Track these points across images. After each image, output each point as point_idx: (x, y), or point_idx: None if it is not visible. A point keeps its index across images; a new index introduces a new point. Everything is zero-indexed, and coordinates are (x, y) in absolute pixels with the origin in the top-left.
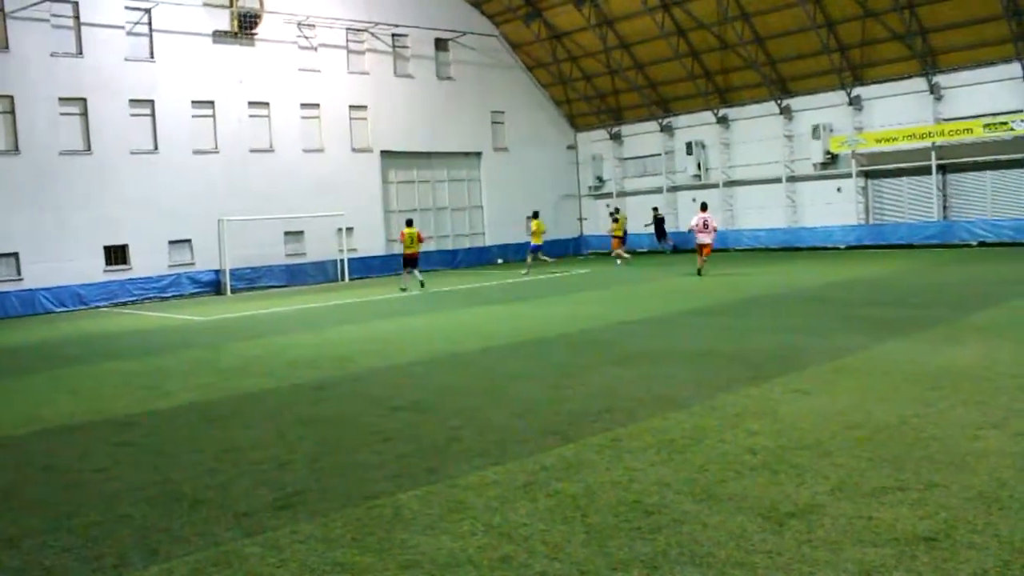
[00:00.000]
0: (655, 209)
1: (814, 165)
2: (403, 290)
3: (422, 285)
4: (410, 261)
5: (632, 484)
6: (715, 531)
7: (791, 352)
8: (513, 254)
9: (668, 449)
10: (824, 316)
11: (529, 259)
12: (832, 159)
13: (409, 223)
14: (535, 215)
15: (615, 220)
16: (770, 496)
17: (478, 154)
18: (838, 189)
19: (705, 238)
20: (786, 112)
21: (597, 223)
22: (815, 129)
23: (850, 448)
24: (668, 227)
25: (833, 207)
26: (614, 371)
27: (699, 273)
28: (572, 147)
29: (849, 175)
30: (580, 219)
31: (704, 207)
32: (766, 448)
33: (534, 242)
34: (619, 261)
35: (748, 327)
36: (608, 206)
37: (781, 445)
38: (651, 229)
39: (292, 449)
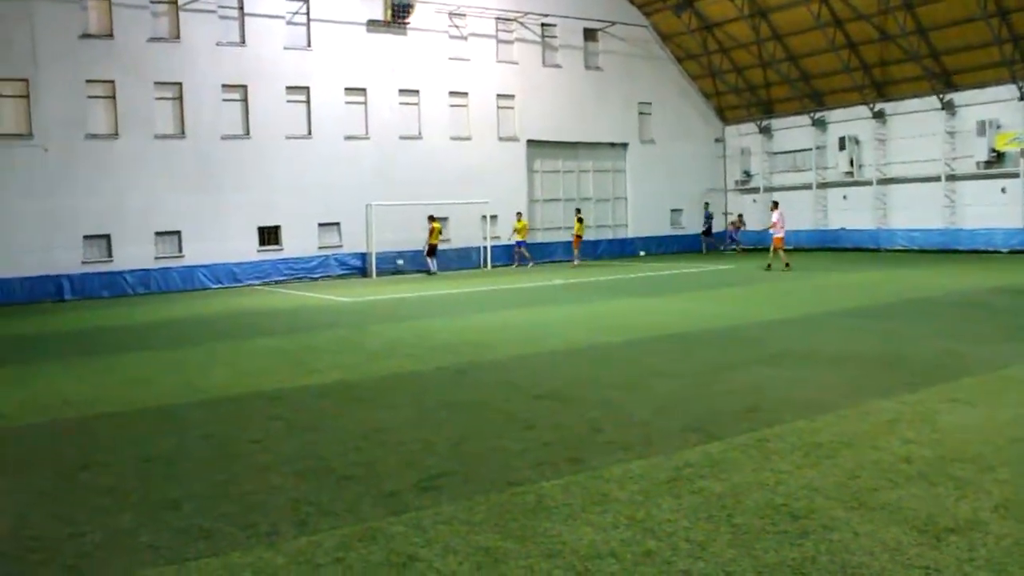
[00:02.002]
0: (706, 205)
1: (977, 164)
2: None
3: (430, 274)
4: (432, 251)
5: (779, 486)
6: (867, 540)
7: (950, 359)
8: (656, 247)
9: (816, 453)
10: (986, 323)
11: (518, 256)
12: (998, 157)
13: (431, 218)
14: (519, 216)
15: (579, 220)
16: (927, 509)
17: (624, 145)
18: (1002, 189)
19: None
20: (948, 107)
21: (746, 217)
22: (980, 125)
23: (1015, 464)
24: (823, 225)
25: (996, 209)
26: (759, 370)
27: (768, 268)
28: (720, 140)
29: (1016, 175)
30: (725, 213)
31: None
32: (923, 458)
33: (518, 239)
34: (576, 262)
35: (902, 331)
36: (707, 205)
37: (939, 456)
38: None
39: (436, 432)
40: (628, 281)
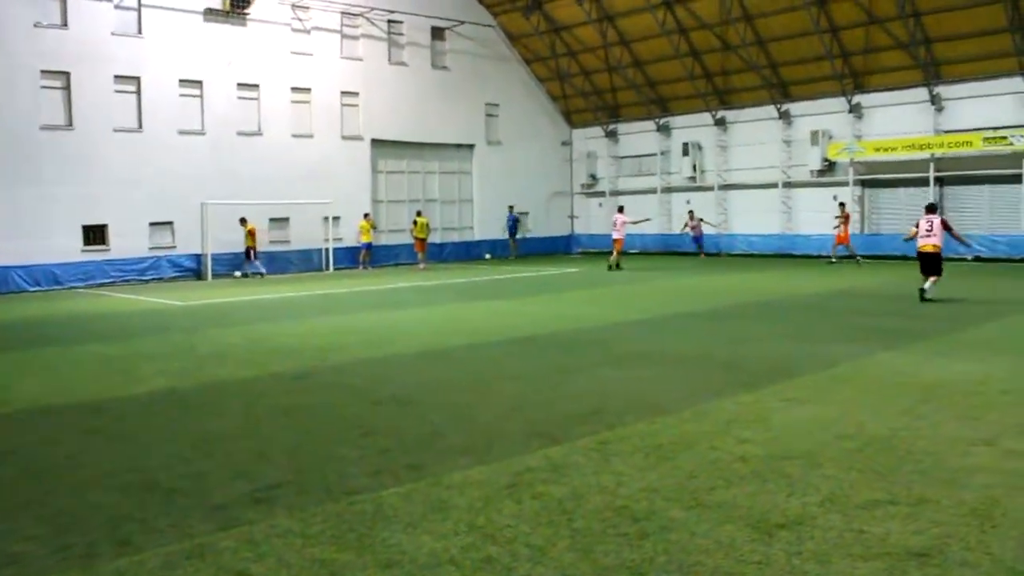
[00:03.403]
0: (511, 209)
1: (811, 172)
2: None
3: (261, 276)
4: (249, 253)
5: (619, 489)
6: (703, 539)
7: (786, 360)
8: (503, 250)
9: (657, 454)
10: (819, 324)
11: (364, 259)
12: (829, 166)
13: (243, 221)
14: (365, 216)
15: (418, 222)
16: (760, 506)
17: (471, 146)
18: (834, 197)
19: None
20: (785, 117)
21: (589, 222)
22: (814, 135)
23: (841, 459)
24: (660, 228)
25: (828, 215)
26: (604, 372)
27: (618, 267)
28: (567, 143)
29: (846, 183)
30: (571, 217)
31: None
32: (757, 457)
33: (364, 240)
34: (422, 265)
35: (743, 333)
36: (511, 209)
37: (772, 454)
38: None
39: (270, 440)
40: (474, 284)
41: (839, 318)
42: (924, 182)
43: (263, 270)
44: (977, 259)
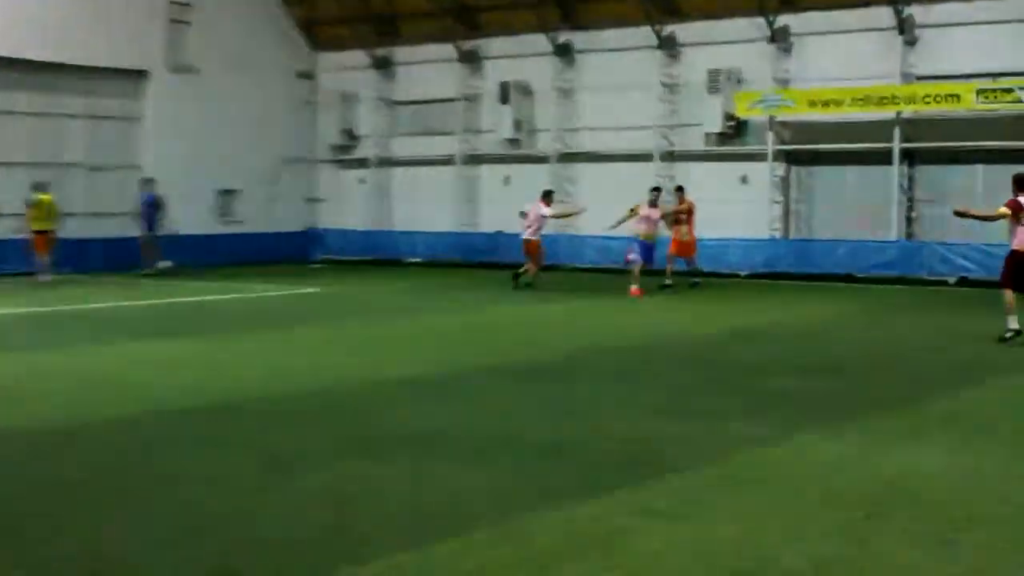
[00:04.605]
0: (145, 183)
1: (708, 137)
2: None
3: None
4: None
5: None
6: None
7: (651, 445)
8: (196, 253)
9: None
10: (704, 387)
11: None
12: (737, 128)
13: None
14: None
15: (34, 204)
16: None
17: (141, 74)
18: (743, 179)
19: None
20: (668, 45)
21: (342, 208)
22: (713, 78)
23: None
24: (472, 226)
25: (734, 208)
26: (353, 466)
27: (523, 283)
28: (308, 76)
29: (763, 156)
30: (313, 200)
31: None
32: None
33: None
34: (46, 277)
35: (583, 400)
36: (146, 183)
37: None
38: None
39: None
40: (133, 311)
41: (735, 377)
42: (884, 157)
43: None
44: (963, 281)
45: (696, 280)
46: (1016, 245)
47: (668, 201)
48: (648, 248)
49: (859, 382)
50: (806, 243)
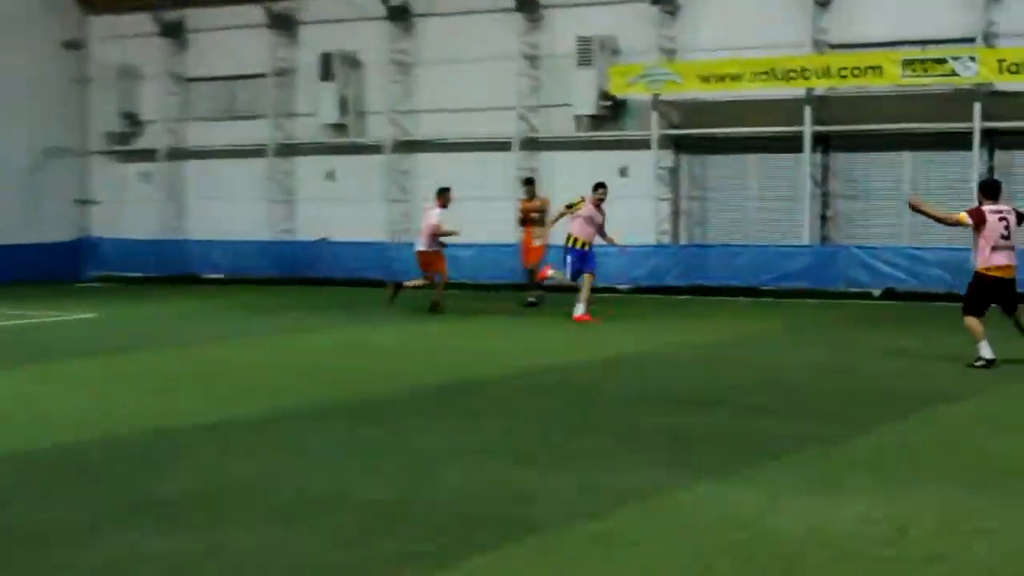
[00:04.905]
0: None
1: (578, 119)
2: None
3: None
4: None
5: None
6: None
7: (513, 500)
8: None
9: None
10: (586, 425)
11: None
12: (614, 110)
13: None
14: None
15: None
16: None
17: None
18: (621, 171)
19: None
20: (529, 7)
21: (121, 211)
22: (584, 47)
23: None
24: (290, 235)
25: (611, 208)
26: (131, 539)
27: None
28: (76, 45)
29: (646, 143)
30: (84, 202)
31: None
32: None
33: None
34: None
35: (433, 445)
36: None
37: None
38: None
39: None
40: None
41: (618, 412)
42: (793, 144)
43: None
44: (889, 293)
45: (532, 300)
46: (982, 266)
47: (514, 197)
48: (585, 257)
49: (766, 417)
50: (700, 249)
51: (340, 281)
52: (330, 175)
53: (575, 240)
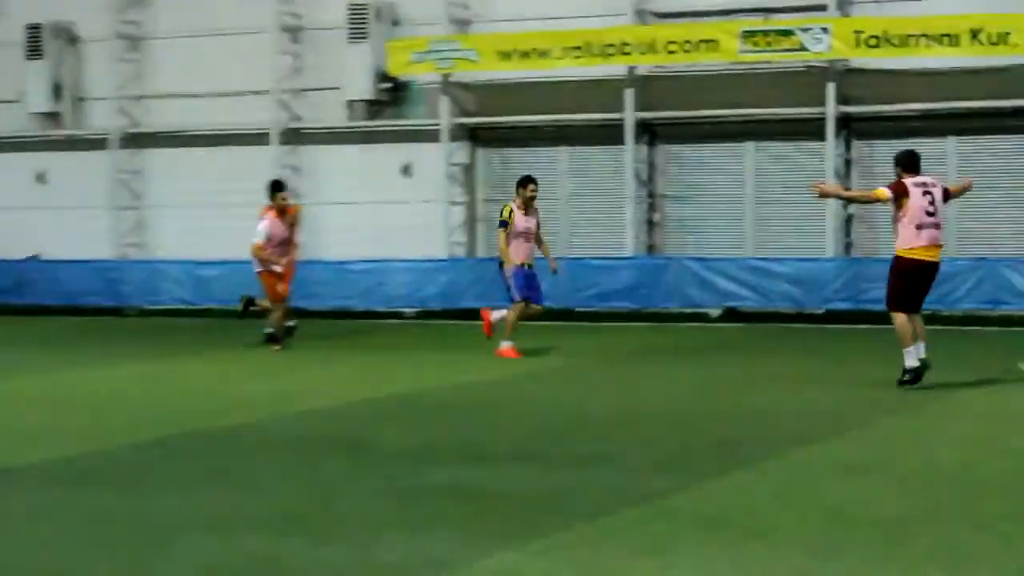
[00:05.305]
0: None
1: (350, 106)
2: None
3: None
4: None
5: None
6: None
7: None
8: None
9: None
10: (352, 485)
11: None
12: (395, 94)
13: None
14: None
15: None
16: None
17: None
18: (405, 169)
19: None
20: None
21: None
22: (358, 18)
23: None
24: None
25: (392, 213)
26: None
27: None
28: None
29: (435, 134)
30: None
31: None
32: None
33: None
34: None
35: (159, 513)
36: None
37: None
38: None
39: None
40: None
41: (394, 468)
42: (612, 134)
43: None
44: (730, 314)
45: (285, 327)
46: (902, 247)
47: (258, 203)
48: (531, 278)
49: (582, 468)
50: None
51: (56, 309)
52: (41, 177)
53: (522, 258)
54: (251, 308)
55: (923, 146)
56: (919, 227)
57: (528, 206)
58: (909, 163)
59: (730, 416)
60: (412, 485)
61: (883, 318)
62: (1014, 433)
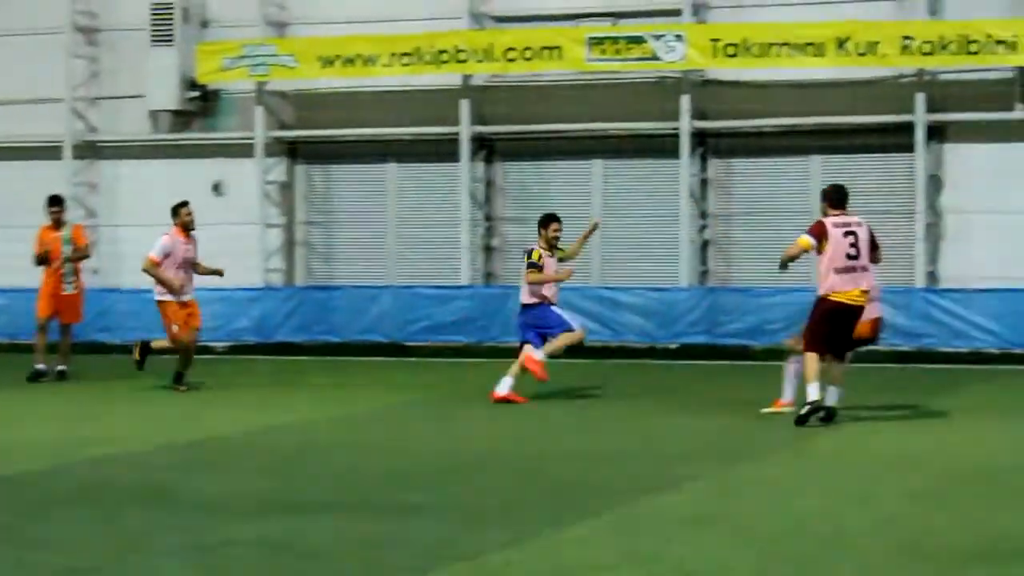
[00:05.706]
0: None
1: (154, 117)
2: None
3: None
4: None
5: None
6: None
7: None
8: None
9: None
10: (146, 538)
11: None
12: (205, 104)
13: None
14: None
15: None
16: None
17: None
18: (215, 187)
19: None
20: None
21: None
22: (162, 17)
23: None
24: None
25: (201, 237)
26: None
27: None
28: None
29: (249, 149)
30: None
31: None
32: None
33: None
34: None
35: None
36: None
37: None
38: None
39: None
40: None
41: (192, 521)
42: (445, 149)
43: None
44: (576, 348)
45: (42, 368)
46: (826, 290)
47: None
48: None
49: (395, 521)
50: (324, 292)
51: None
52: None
53: (549, 297)
54: (148, 354)
55: (786, 164)
56: (840, 270)
57: (552, 247)
58: (836, 199)
59: (571, 460)
60: (216, 540)
61: (741, 354)
62: (886, 477)
